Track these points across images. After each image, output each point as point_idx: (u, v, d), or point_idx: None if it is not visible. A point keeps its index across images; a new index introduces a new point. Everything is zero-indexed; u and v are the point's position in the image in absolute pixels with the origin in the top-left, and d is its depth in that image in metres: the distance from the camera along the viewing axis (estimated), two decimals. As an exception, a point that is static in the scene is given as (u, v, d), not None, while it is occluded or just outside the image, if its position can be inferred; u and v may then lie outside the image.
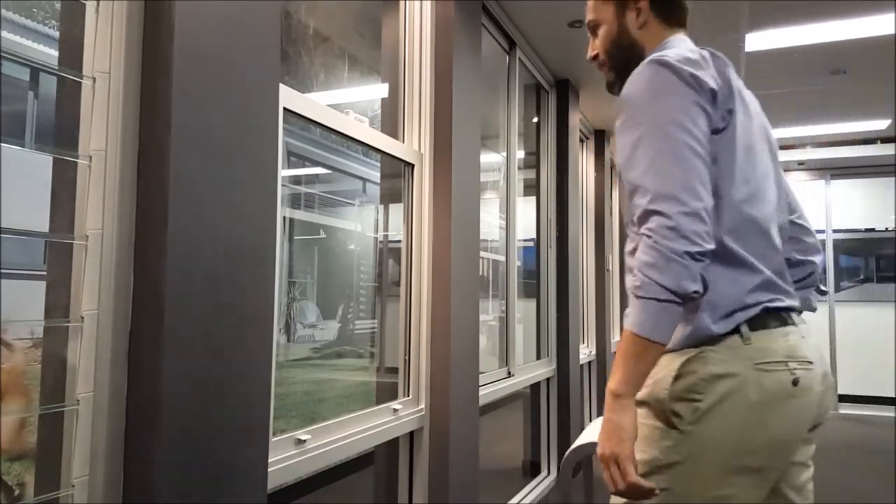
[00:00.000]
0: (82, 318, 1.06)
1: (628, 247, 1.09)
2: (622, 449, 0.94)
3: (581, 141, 4.86)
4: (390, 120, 2.28)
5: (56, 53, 1.16)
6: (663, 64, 1.03)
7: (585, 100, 4.28)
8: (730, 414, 0.98)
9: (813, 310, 1.31)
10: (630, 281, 0.99)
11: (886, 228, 6.39)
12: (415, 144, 2.26)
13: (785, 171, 6.62)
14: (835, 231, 6.56)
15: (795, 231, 1.27)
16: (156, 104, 1.11)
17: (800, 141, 6.02)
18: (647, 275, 0.94)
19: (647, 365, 0.96)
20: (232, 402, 1.20)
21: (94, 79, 1.09)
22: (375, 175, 2.34)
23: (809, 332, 1.09)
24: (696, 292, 0.94)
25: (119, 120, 1.10)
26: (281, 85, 1.42)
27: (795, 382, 1.00)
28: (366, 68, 2.53)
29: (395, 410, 2.04)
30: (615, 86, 1.24)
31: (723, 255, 1.01)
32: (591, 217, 5.05)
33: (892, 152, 5.87)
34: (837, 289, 6.52)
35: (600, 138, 5.09)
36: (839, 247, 6.54)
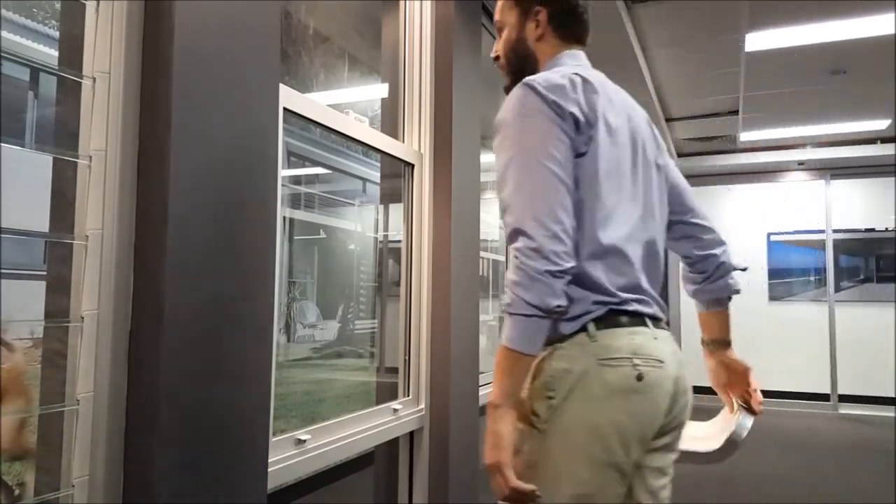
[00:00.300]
0: (82, 318, 1.06)
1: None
2: (502, 457, 0.99)
3: (581, 141, 4.85)
4: (390, 120, 2.28)
5: (56, 53, 1.16)
6: (531, 89, 1.09)
7: (585, 100, 4.28)
8: (577, 408, 1.04)
9: (736, 292, 1.49)
10: (503, 298, 1.04)
11: (886, 228, 6.39)
12: (415, 144, 2.26)
13: (785, 171, 6.60)
14: (835, 231, 6.56)
15: (692, 230, 1.36)
16: (156, 104, 1.11)
17: (800, 141, 6.02)
18: (514, 292, 1.01)
19: (520, 376, 1.03)
20: (232, 402, 1.20)
21: (94, 79, 1.09)
22: (375, 175, 2.34)
23: (668, 339, 1.15)
24: (558, 307, 1.01)
25: (119, 120, 1.10)
26: (281, 85, 1.42)
27: (640, 378, 1.05)
28: (366, 68, 2.53)
29: (395, 410, 2.04)
30: (510, 90, 1.24)
31: (580, 275, 1.07)
32: (591, 217, 5.05)
33: (892, 152, 5.87)
34: (837, 289, 6.52)
35: (600, 138, 5.08)
36: (839, 247, 6.55)
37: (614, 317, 1.08)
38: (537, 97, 1.08)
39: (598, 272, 1.09)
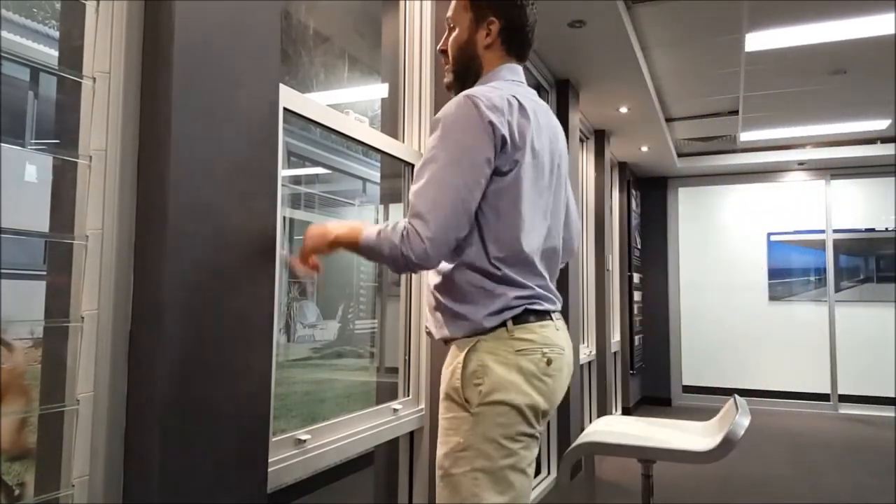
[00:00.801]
0: (82, 318, 1.06)
1: None
2: (329, 238, 1.27)
3: (581, 141, 4.86)
4: (390, 120, 2.28)
5: (56, 53, 1.16)
6: (474, 104, 1.21)
7: (586, 100, 4.28)
8: (501, 390, 1.20)
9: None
10: (391, 238, 1.21)
11: (886, 228, 6.39)
12: (415, 144, 2.26)
13: (785, 171, 6.62)
14: (835, 231, 6.56)
15: (568, 244, 1.53)
16: (156, 104, 1.11)
17: (800, 141, 6.02)
18: (385, 246, 1.20)
19: (349, 246, 1.28)
20: (232, 403, 1.20)
21: (94, 79, 1.09)
22: (375, 175, 2.34)
23: (564, 328, 1.36)
24: (393, 265, 1.23)
25: (119, 120, 1.10)
26: (281, 85, 1.42)
27: (549, 363, 1.26)
28: (366, 68, 2.53)
29: (395, 410, 2.04)
30: (452, 87, 1.40)
31: (499, 276, 1.25)
32: (591, 217, 5.05)
33: (892, 152, 5.87)
34: (838, 289, 6.52)
35: (600, 138, 5.09)
36: (839, 247, 6.55)
37: (527, 314, 1.26)
38: (477, 113, 1.21)
39: (518, 275, 1.27)
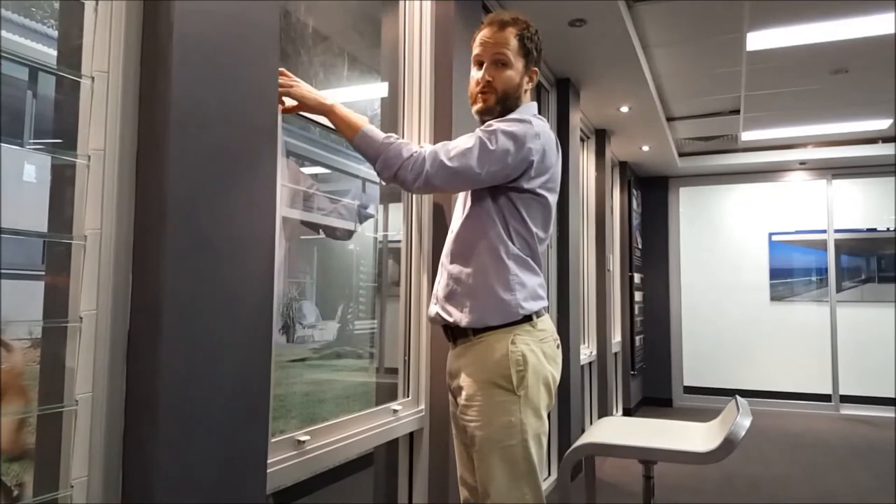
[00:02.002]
0: (81, 318, 1.06)
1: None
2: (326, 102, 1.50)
3: (582, 140, 4.85)
4: (390, 119, 2.28)
5: (55, 53, 1.15)
6: (525, 126, 1.51)
7: (586, 99, 4.28)
8: (538, 373, 1.51)
9: None
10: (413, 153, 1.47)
11: (888, 228, 6.38)
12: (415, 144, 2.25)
13: (786, 170, 6.62)
14: (836, 231, 6.55)
15: None
16: (155, 104, 1.10)
17: (801, 140, 6.01)
18: (387, 146, 1.46)
19: (343, 124, 1.50)
20: (231, 403, 1.19)
21: (93, 78, 1.09)
22: (375, 175, 2.33)
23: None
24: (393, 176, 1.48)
25: (118, 119, 1.10)
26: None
27: (559, 346, 1.62)
28: (365, 68, 2.53)
29: (395, 411, 2.04)
30: (487, 112, 1.62)
31: (529, 265, 1.57)
32: (591, 217, 5.05)
33: (893, 152, 5.86)
34: (839, 289, 6.51)
35: (601, 138, 5.08)
36: (840, 247, 6.54)
37: (542, 309, 1.59)
38: (535, 134, 1.51)
39: (535, 274, 1.58)
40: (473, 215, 1.58)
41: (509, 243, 1.53)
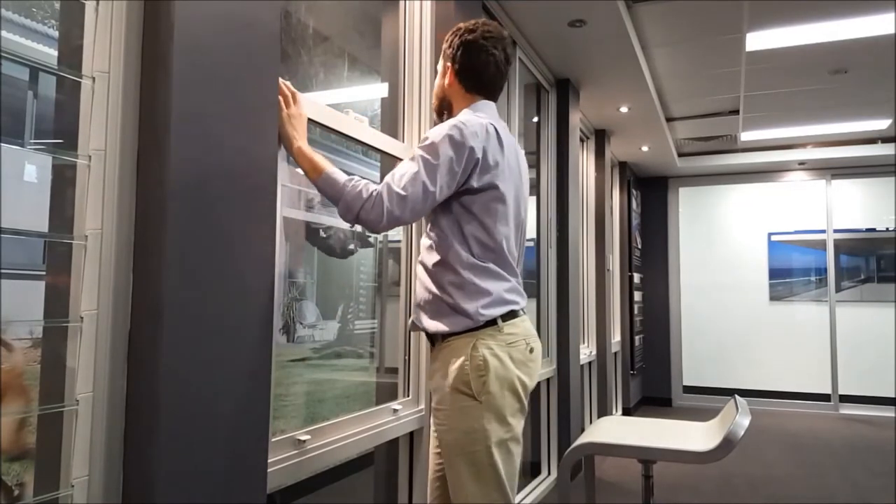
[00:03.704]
0: (81, 318, 1.06)
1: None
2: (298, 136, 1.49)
3: (581, 141, 4.85)
4: (390, 120, 2.28)
5: (55, 53, 1.16)
6: (459, 128, 1.47)
7: (586, 99, 4.28)
8: (501, 378, 1.46)
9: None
10: (357, 192, 1.43)
11: (887, 228, 6.39)
12: (414, 144, 2.26)
13: (785, 170, 6.62)
14: (836, 231, 6.56)
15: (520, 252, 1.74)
16: (155, 104, 1.10)
17: (800, 141, 6.01)
18: (346, 190, 1.43)
19: (307, 169, 1.48)
20: (231, 403, 1.19)
21: (94, 78, 1.09)
22: (375, 175, 2.34)
23: (529, 319, 1.62)
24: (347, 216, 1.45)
25: (118, 120, 1.10)
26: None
27: (531, 351, 1.55)
28: (366, 68, 2.53)
29: (395, 411, 2.04)
30: (438, 119, 1.69)
31: (490, 271, 1.52)
32: (591, 217, 5.05)
33: (893, 152, 5.87)
34: (838, 289, 6.52)
35: (601, 138, 5.08)
36: (840, 247, 6.54)
37: (512, 311, 1.53)
38: (458, 135, 1.47)
39: (501, 269, 1.54)
40: (431, 229, 1.57)
41: (464, 254, 1.50)
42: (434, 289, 1.52)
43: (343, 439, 1.74)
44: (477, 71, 1.62)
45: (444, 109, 1.69)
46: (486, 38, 1.61)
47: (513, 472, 1.49)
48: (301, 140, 1.47)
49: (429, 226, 1.59)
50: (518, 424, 1.51)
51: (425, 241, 1.58)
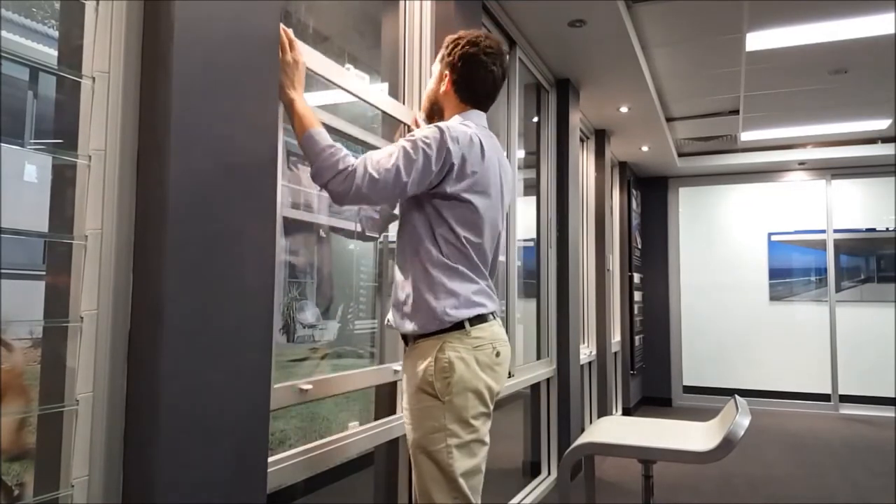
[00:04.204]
0: (82, 318, 1.06)
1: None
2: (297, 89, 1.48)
3: (581, 141, 4.86)
4: (390, 120, 2.28)
5: (55, 53, 1.16)
6: (442, 131, 1.51)
7: (586, 99, 4.28)
8: (465, 381, 1.49)
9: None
10: (335, 163, 1.43)
11: (887, 228, 6.39)
12: (414, 109, 2.26)
13: (785, 170, 6.62)
14: (836, 231, 6.56)
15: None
16: (155, 104, 1.10)
17: (800, 141, 6.01)
18: (325, 154, 1.43)
19: (294, 121, 1.47)
20: (231, 403, 1.20)
21: (94, 78, 1.09)
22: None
23: (501, 324, 1.64)
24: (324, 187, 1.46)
25: (118, 120, 1.10)
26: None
27: (497, 355, 1.57)
28: (366, 68, 2.53)
29: (396, 371, 2.04)
30: (427, 120, 1.74)
31: (459, 272, 1.54)
32: (591, 217, 5.05)
33: (893, 152, 5.87)
34: (838, 289, 6.52)
35: (601, 138, 5.09)
36: (840, 247, 6.54)
37: (479, 315, 1.55)
38: (440, 136, 1.49)
39: (471, 272, 1.55)
40: (404, 225, 1.60)
41: (434, 253, 1.52)
42: (405, 287, 1.55)
43: (343, 439, 1.74)
44: (474, 85, 1.66)
45: (434, 113, 1.72)
46: (487, 54, 1.64)
47: (476, 473, 1.51)
48: (295, 89, 1.46)
49: (400, 224, 1.63)
50: (483, 426, 1.53)
51: (398, 241, 1.62)
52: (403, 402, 1.58)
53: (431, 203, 1.54)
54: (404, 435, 2.13)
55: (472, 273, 1.56)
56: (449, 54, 1.67)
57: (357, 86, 1.87)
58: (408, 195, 1.51)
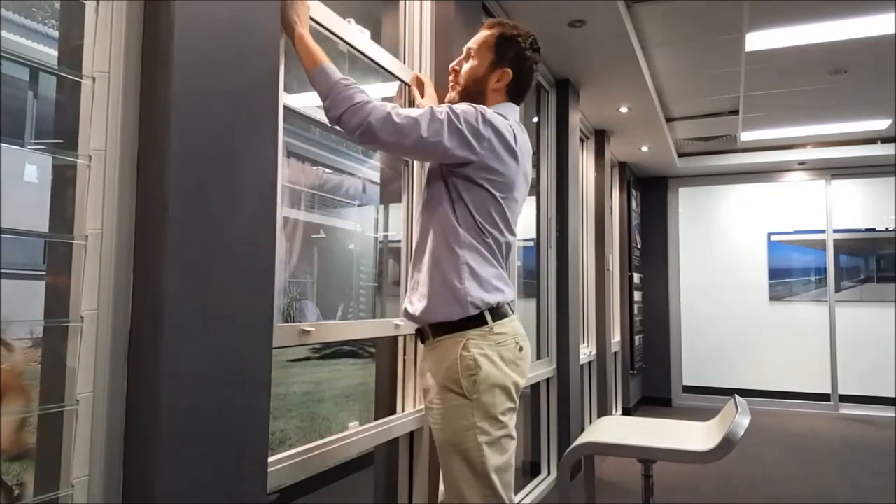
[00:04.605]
0: (82, 318, 1.06)
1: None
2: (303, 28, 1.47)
3: (581, 141, 4.85)
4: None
5: (55, 53, 1.16)
6: (483, 115, 1.50)
7: (586, 99, 4.28)
8: (492, 378, 1.48)
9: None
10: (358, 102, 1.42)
11: (887, 228, 6.39)
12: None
13: (785, 171, 6.62)
14: (835, 231, 6.56)
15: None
16: (155, 104, 1.10)
17: (800, 141, 6.01)
18: (342, 88, 1.42)
19: (305, 60, 1.46)
20: (231, 403, 1.20)
21: (94, 78, 1.09)
22: (375, 175, 2.34)
23: (518, 317, 1.64)
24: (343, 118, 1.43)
25: (119, 120, 1.10)
26: (281, 83, 1.42)
27: (521, 350, 1.57)
28: (366, 68, 2.53)
29: (397, 326, 2.04)
30: (452, 101, 1.67)
31: (484, 256, 1.54)
32: (591, 217, 5.05)
33: (893, 152, 5.87)
34: (838, 288, 6.52)
35: (601, 138, 5.08)
36: (839, 247, 6.54)
37: (501, 310, 1.55)
38: (482, 117, 1.49)
39: (489, 264, 1.54)
40: (427, 202, 1.59)
41: (460, 230, 1.52)
42: (426, 268, 1.54)
43: (343, 439, 1.74)
44: (524, 83, 1.68)
45: (466, 94, 1.65)
46: (535, 51, 1.67)
47: (508, 468, 1.51)
48: (303, 27, 1.46)
49: (423, 203, 1.62)
50: (510, 421, 1.53)
51: (420, 220, 1.61)
52: (425, 401, 1.57)
53: (456, 187, 1.53)
54: (404, 435, 2.14)
55: (492, 257, 1.56)
56: (505, 42, 1.64)
57: (359, 40, 1.87)
58: (416, 155, 1.51)
